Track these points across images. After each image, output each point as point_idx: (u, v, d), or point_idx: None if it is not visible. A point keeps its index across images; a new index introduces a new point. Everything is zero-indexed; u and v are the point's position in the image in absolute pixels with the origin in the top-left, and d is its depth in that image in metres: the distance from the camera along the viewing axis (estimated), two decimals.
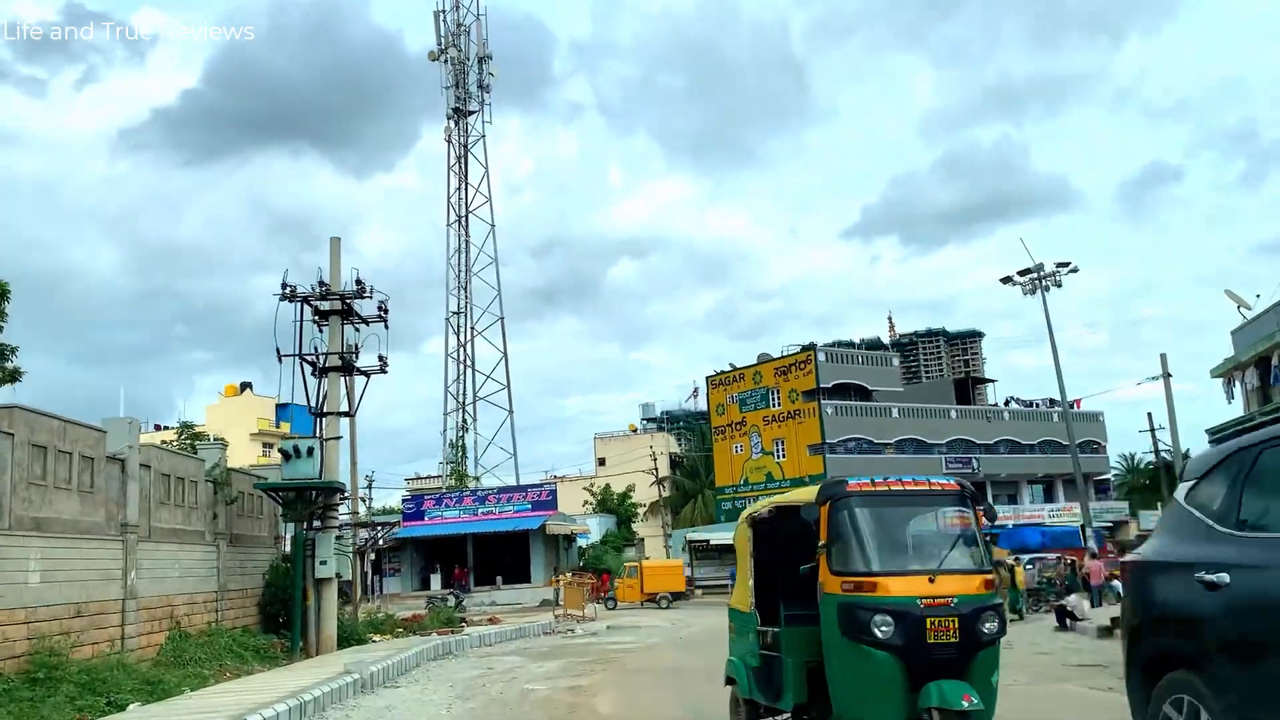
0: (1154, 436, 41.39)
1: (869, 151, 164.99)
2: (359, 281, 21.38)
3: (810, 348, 52.48)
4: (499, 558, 48.11)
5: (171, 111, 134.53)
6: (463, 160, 63.66)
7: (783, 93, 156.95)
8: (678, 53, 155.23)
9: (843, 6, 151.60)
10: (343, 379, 21.99)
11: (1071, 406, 63.45)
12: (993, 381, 59.37)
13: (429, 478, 68.43)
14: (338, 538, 21.27)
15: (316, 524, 20.93)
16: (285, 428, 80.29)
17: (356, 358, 22.50)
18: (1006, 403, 60.38)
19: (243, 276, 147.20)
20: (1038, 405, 61.84)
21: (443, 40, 64.18)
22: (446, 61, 64.23)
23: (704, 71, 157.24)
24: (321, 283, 21.29)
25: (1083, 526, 40.95)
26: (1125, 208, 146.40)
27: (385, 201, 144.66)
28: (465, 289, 62.44)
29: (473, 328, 62.40)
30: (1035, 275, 38.52)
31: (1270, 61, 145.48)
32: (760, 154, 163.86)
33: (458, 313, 62.30)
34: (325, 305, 21.50)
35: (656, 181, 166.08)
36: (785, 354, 53.97)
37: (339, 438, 21.88)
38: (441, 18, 64.56)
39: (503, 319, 62.21)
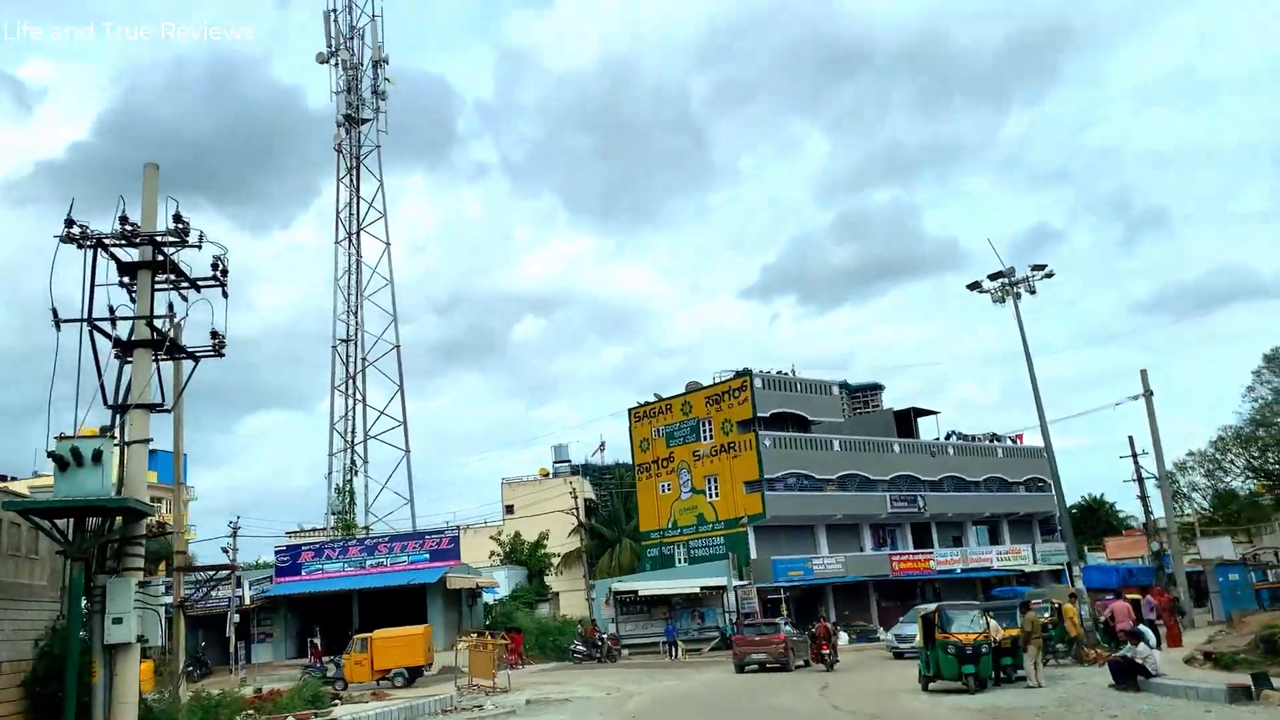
0: (1136, 462, 37.37)
1: (768, 212, 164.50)
2: (178, 218, 15.03)
3: (746, 373, 47.31)
4: (391, 617, 41.01)
5: (58, 165, 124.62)
6: (354, 172, 57.26)
7: (684, 154, 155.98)
8: (581, 114, 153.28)
9: (741, 72, 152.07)
10: (156, 361, 15.54)
11: (1013, 441, 59.77)
12: (935, 413, 55.26)
13: (312, 530, 60.60)
14: (142, 585, 14.66)
15: (110, 563, 14.38)
16: (153, 476, 71.52)
17: (179, 334, 16.11)
18: (948, 437, 56.19)
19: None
20: (978, 439, 57.86)
21: (333, 41, 58.03)
22: (337, 65, 58.06)
23: (607, 132, 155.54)
24: (124, 219, 14.91)
25: (1068, 564, 36.22)
26: (985, 293, 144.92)
27: (283, 258, 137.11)
28: (356, 313, 55.63)
29: (364, 358, 55.54)
30: (1006, 280, 34.17)
31: (1140, 133, 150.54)
32: (663, 213, 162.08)
33: (347, 340, 55.37)
34: (131, 254, 15.14)
35: (561, 239, 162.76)
36: (717, 381, 48.67)
37: (148, 440, 15.38)
38: (332, 18, 58.50)
39: (399, 346, 55.55)
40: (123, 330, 15.57)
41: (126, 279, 15.75)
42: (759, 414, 46.32)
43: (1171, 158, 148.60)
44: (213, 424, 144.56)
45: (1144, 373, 34.78)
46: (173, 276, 15.91)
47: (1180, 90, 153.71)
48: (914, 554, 50.33)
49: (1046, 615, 23.02)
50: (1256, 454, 71.98)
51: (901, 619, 33.96)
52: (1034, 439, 60.02)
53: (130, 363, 15.39)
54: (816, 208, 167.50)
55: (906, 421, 54.31)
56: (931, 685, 20.16)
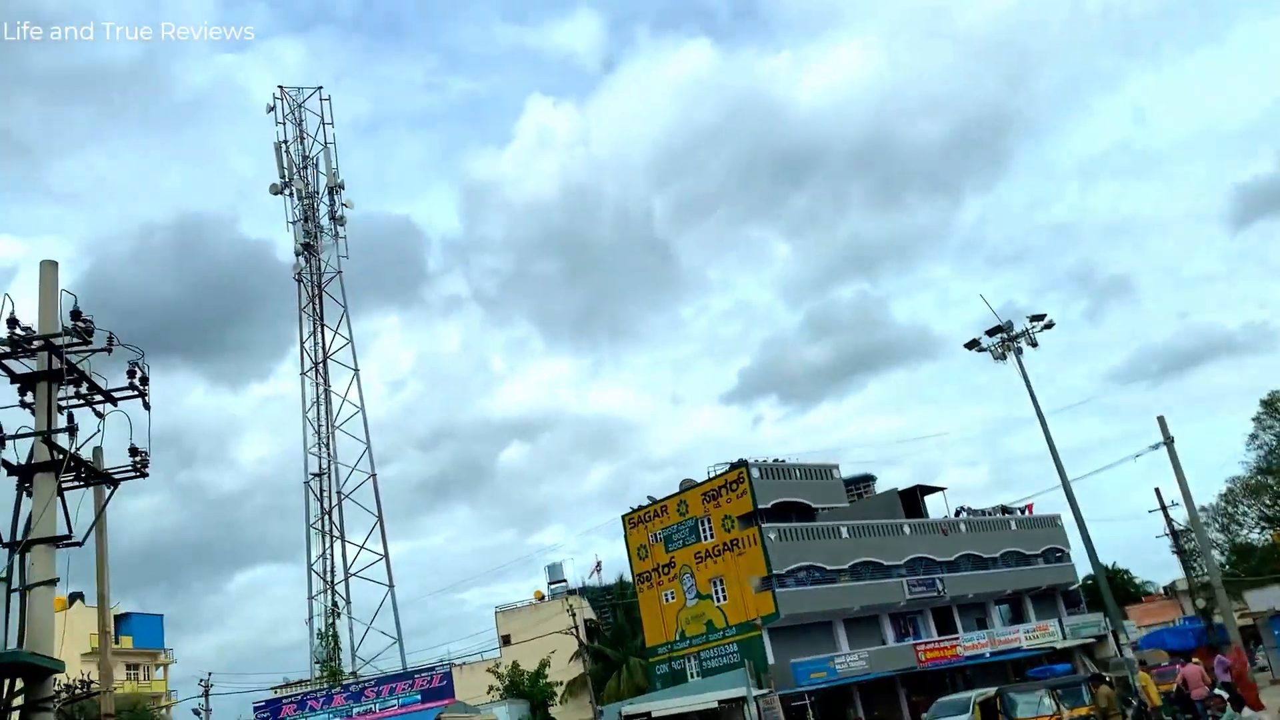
0: (1166, 514, 34.97)
1: (739, 318, 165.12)
2: (77, 315, 12.82)
3: (741, 464, 44.89)
4: None
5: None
6: (316, 300, 55.57)
7: (652, 270, 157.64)
8: (547, 241, 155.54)
9: (698, 188, 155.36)
10: (60, 488, 13.12)
11: (1023, 512, 57.25)
12: (942, 489, 52.69)
13: (298, 683, 56.58)
14: None
15: None
16: (128, 641, 67.46)
17: (99, 458, 13.78)
18: (957, 513, 53.59)
19: (117, 500, 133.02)
20: (988, 514, 55.26)
21: (285, 172, 57.14)
22: (292, 194, 57.01)
23: (575, 257, 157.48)
24: (13, 321, 12.70)
25: (1113, 632, 33.37)
26: (984, 351, 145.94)
27: (262, 410, 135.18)
28: (328, 444, 53.09)
29: (339, 491, 52.78)
30: (1005, 335, 32.35)
31: (1094, 206, 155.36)
32: (637, 329, 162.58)
33: (319, 474, 52.68)
34: (21, 365, 12.91)
35: (538, 364, 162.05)
36: (712, 476, 46.18)
37: (53, 581, 12.83)
38: (284, 149, 57.75)
39: (374, 475, 52.86)
40: (23, 453, 13.28)
41: (28, 394, 13.50)
42: (760, 505, 43.71)
43: (1125, 228, 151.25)
44: (202, 586, 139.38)
45: (1162, 419, 32.81)
46: (83, 388, 13.69)
47: (1123, 164, 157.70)
48: (939, 642, 47.18)
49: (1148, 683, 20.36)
50: (1268, 502, 69.71)
51: (925, 717, 30.94)
52: (1043, 508, 57.64)
53: (30, 491, 13.01)
54: (786, 309, 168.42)
55: (913, 501, 51.77)
56: None
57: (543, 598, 64.26)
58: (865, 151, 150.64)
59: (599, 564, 70.56)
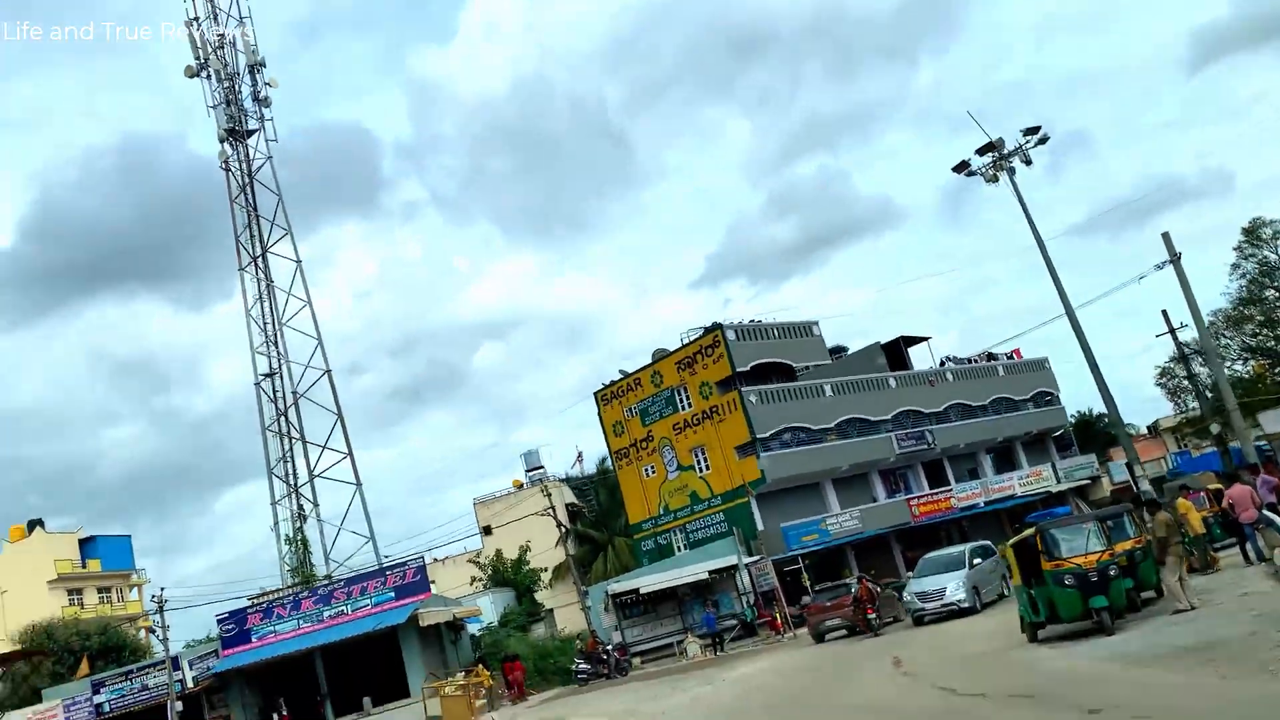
0: (1175, 336, 32.82)
1: (701, 203, 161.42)
2: None
3: (716, 327, 42.19)
4: (364, 672, 35.54)
5: None
6: (248, 189, 51.43)
7: (609, 159, 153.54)
8: (500, 137, 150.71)
9: (651, 71, 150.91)
10: None
11: (1010, 357, 55.27)
12: (926, 339, 50.34)
13: (271, 592, 54.60)
14: None
15: None
16: (95, 565, 65.20)
17: None
18: (942, 364, 51.44)
19: (93, 430, 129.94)
20: (975, 361, 53.19)
21: (200, 52, 52.19)
22: (209, 77, 52.21)
23: (530, 151, 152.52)
24: None
25: (1128, 464, 31.47)
26: (948, 216, 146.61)
27: (230, 329, 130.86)
28: (276, 342, 49.79)
29: (294, 391, 49.74)
30: (998, 155, 29.28)
31: (1046, 63, 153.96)
32: (598, 221, 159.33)
33: (269, 374, 49.55)
34: None
35: (502, 263, 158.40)
36: (686, 342, 43.52)
37: None
38: (195, 26, 52.66)
39: (329, 371, 49.76)
40: None
41: None
42: (738, 368, 41.21)
43: (1082, 82, 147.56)
44: (188, 510, 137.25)
45: (1167, 236, 30.13)
46: None
47: (1078, 17, 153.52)
48: (932, 495, 45.55)
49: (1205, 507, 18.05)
50: (1252, 332, 68.41)
51: (911, 574, 28.09)
52: (1030, 351, 55.68)
53: None
54: (748, 189, 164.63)
55: (897, 354, 49.50)
56: (1044, 632, 15.16)
57: (521, 486, 62.16)
58: (818, 23, 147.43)
59: (580, 455, 68.31)
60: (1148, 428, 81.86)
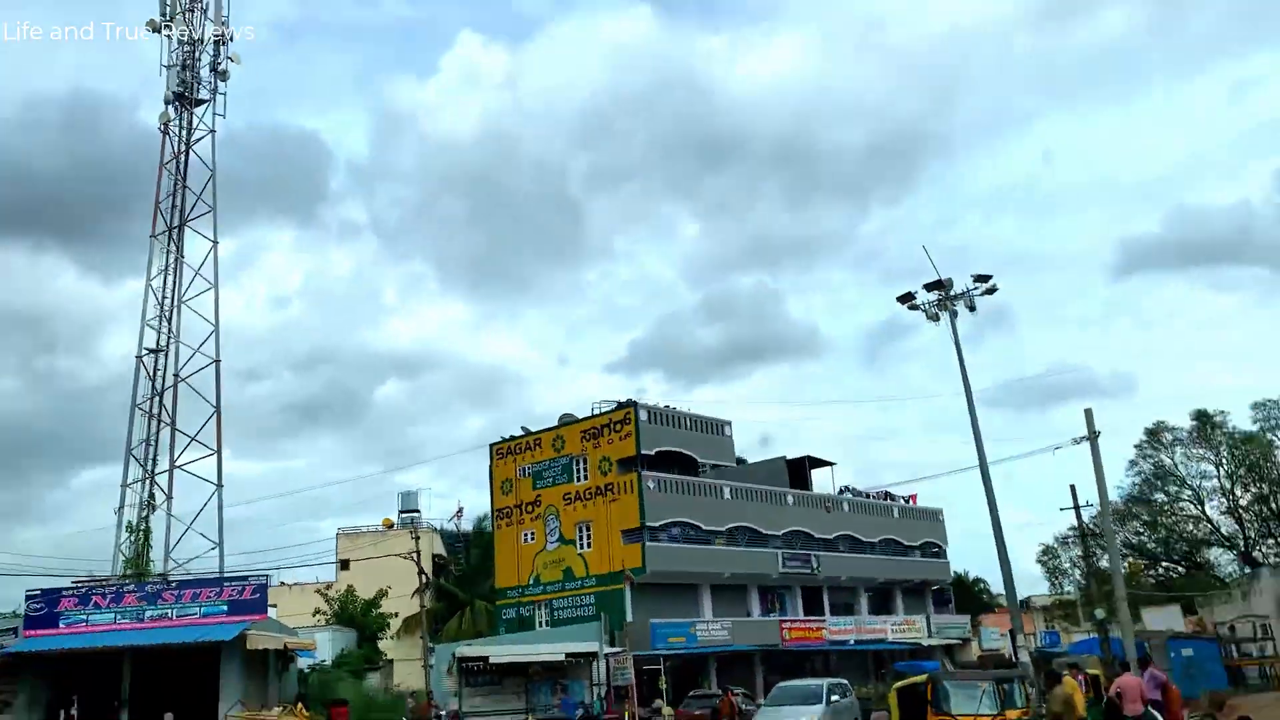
0: (1079, 513, 32.77)
1: (639, 291, 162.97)
2: None
3: (629, 404, 41.05)
4: (174, 686, 32.41)
5: None
6: (181, 158, 49.00)
7: (560, 229, 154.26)
8: (457, 181, 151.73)
9: (619, 155, 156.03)
10: None
11: (907, 501, 55.24)
12: (831, 464, 49.93)
13: (100, 579, 50.46)
14: None
15: None
16: None
17: None
18: (841, 492, 51.02)
19: None
20: (871, 497, 52.95)
21: (168, 6, 50.15)
22: (169, 37, 50.07)
23: (483, 201, 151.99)
24: None
25: (1011, 632, 30.86)
26: (866, 358, 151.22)
27: (132, 306, 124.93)
28: (171, 318, 46.90)
29: (176, 374, 46.65)
30: (944, 295, 29.16)
31: (990, 234, 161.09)
32: (536, 285, 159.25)
33: (155, 350, 46.51)
34: None
35: (430, 304, 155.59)
36: (596, 413, 42.22)
37: None
38: None
39: (219, 362, 46.91)
40: None
41: None
42: (643, 451, 40.02)
43: (1016, 261, 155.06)
44: (46, 478, 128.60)
45: (1089, 412, 30.21)
46: None
47: (1025, 200, 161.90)
48: (806, 621, 44.54)
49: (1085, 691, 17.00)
50: (1137, 529, 70.05)
51: (763, 703, 25.55)
52: (927, 500, 55.75)
53: None
54: (686, 288, 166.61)
55: (800, 472, 48.93)
56: None
57: (391, 525, 59.26)
58: (786, 148, 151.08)
59: (460, 510, 65.42)
60: (1020, 602, 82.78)
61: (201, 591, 33.57)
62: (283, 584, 64.49)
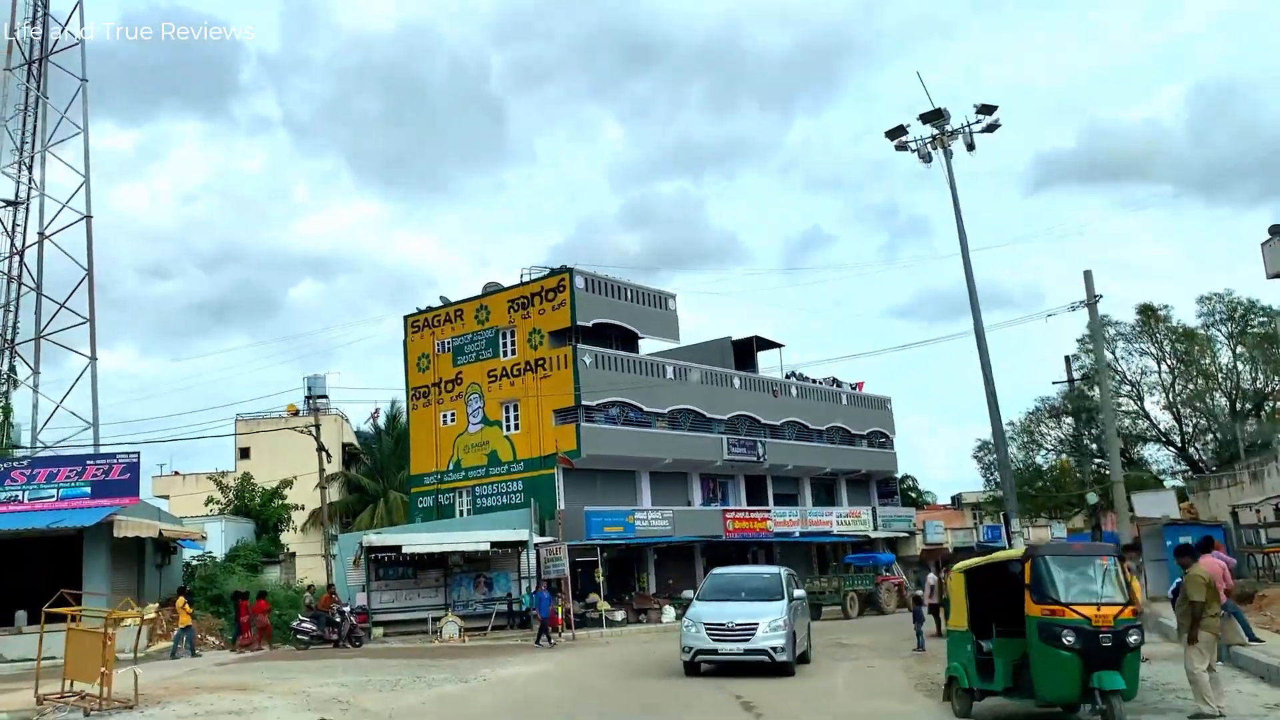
0: (1071, 382, 29.49)
1: (559, 195, 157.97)
2: None
3: (565, 270, 36.44)
4: (32, 580, 27.61)
5: None
6: None
7: (479, 129, 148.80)
8: (373, 77, 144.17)
9: (540, 53, 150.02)
10: None
11: (853, 388, 52.14)
12: (780, 346, 46.10)
13: None
14: None
15: None
16: None
17: None
18: (788, 377, 47.47)
19: None
20: (819, 383, 49.59)
21: None
22: None
23: (399, 98, 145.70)
24: None
25: (1005, 516, 27.54)
26: (786, 267, 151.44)
27: None
28: (32, 167, 40.49)
29: (41, 231, 40.49)
30: (942, 130, 24.93)
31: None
32: (454, 185, 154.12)
33: (14, 203, 40.15)
34: None
35: (344, 202, 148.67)
36: (527, 280, 37.53)
37: None
38: None
39: (90, 218, 40.82)
40: None
41: None
42: (579, 322, 35.61)
43: (933, 174, 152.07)
44: None
45: (1088, 274, 26.68)
46: None
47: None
48: (750, 511, 41.34)
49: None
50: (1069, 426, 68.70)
51: (696, 596, 18.33)
52: (873, 388, 52.67)
53: None
54: (608, 192, 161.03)
55: (747, 354, 45.20)
56: (980, 706, 10.24)
57: (296, 412, 54.20)
58: (710, 50, 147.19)
59: (376, 410, 60.31)
60: (951, 498, 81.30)
61: (60, 471, 28.60)
62: (177, 474, 59.40)
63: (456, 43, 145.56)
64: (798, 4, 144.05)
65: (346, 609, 25.92)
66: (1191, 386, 57.79)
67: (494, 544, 29.99)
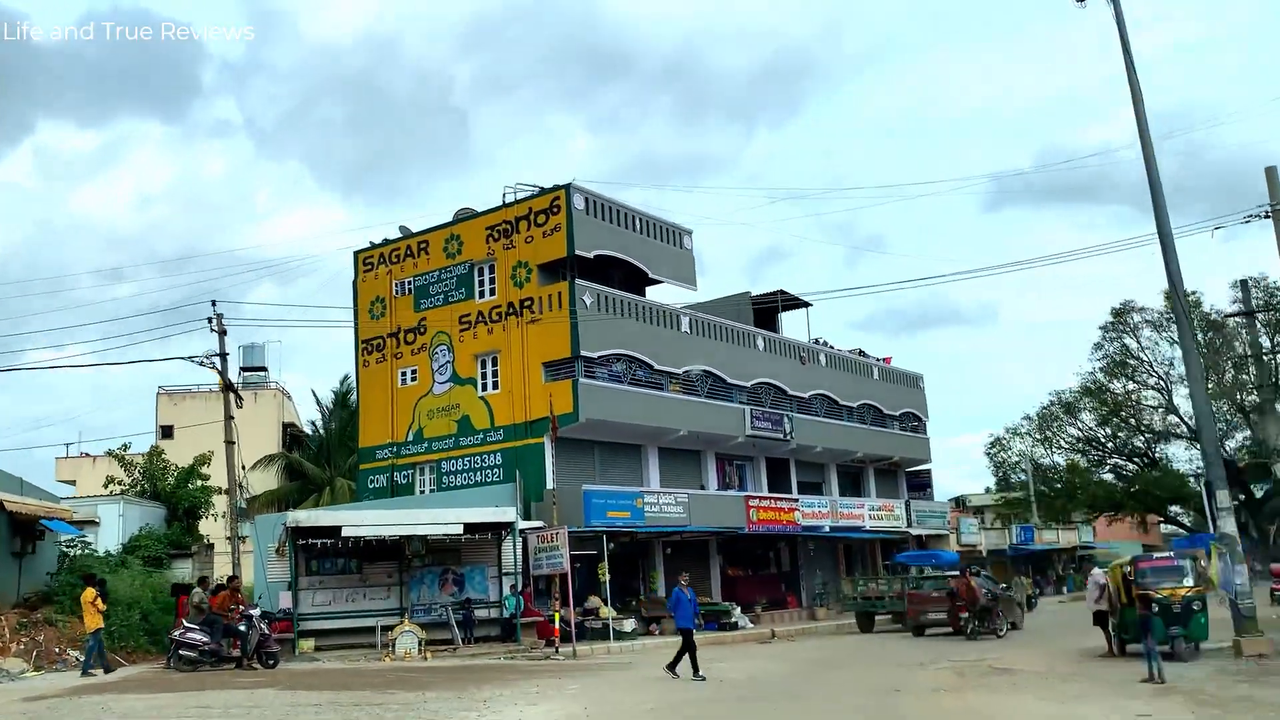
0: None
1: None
2: None
3: (560, 188, 28.87)
4: None
5: None
6: None
7: (442, 138, 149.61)
8: (336, 85, 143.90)
9: (506, 63, 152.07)
10: None
11: (882, 363, 45.17)
12: (807, 305, 38.67)
13: None
14: None
15: None
16: None
17: None
18: (816, 342, 40.14)
19: None
20: (849, 354, 42.40)
21: None
22: None
23: (363, 107, 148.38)
24: None
25: (1208, 484, 17.64)
26: (747, 281, 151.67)
27: None
28: None
29: None
30: None
31: (870, 164, 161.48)
32: (414, 194, 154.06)
33: None
34: None
35: (306, 209, 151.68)
36: (512, 202, 29.92)
37: None
38: None
39: None
40: None
41: None
42: (579, 251, 28.08)
43: (894, 191, 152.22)
44: None
45: (1271, 170, 19.75)
46: None
47: (905, 130, 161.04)
48: (775, 499, 34.00)
49: None
50: (1084, 422, 62.52)
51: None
52: (901, 363, 45.61)
53: None
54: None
55: (769, 317, 37.90)
56: None
57: (228, 386, 45.94)
58: (676, 64, 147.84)
59: (330, 408, 52.35)
60: (954, 500, 74.50)
61: None
62: (86, 455, 50.96)
63: (420, 51, 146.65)
64: (760, 25, 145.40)
65: (254, 613, 18.08)
66: (1221, 381, 51.54)
67: (468, 526, 22.34)
